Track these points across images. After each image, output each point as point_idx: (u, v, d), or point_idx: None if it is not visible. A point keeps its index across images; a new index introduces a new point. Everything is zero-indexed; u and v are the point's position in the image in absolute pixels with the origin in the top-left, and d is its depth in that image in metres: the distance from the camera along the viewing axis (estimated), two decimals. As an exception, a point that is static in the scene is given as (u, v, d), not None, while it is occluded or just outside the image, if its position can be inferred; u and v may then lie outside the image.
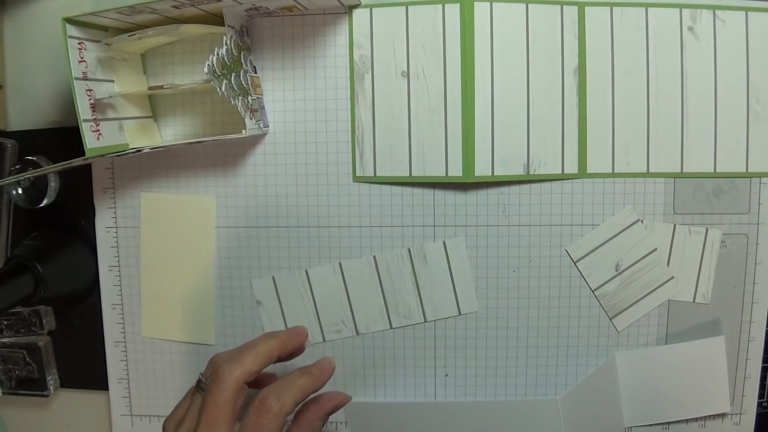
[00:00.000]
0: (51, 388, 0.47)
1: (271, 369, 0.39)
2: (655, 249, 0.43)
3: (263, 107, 0.43)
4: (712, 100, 0.41)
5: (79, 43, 0.39)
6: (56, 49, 0.44)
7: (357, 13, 0.42)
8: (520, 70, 0.41)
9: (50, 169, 0.40)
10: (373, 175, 0.43)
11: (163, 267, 0.46)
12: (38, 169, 0.41)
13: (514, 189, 0.43)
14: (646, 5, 0.41)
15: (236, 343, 0.45)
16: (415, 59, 0.41)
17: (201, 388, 0.36)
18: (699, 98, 0.41)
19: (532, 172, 0.42)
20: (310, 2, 0.40)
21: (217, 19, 0.40)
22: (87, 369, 0.48)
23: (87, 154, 0.38)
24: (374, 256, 0.43)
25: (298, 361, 0.40)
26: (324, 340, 0.45)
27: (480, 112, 0.41)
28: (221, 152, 0.44)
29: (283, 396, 0.35)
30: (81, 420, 0.49)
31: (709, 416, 0.44)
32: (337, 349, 0.45)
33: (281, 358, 0.38)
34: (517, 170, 0.42)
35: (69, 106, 0.41)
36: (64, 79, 0.45)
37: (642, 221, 0.43)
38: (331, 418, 0.45)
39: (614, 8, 0.41)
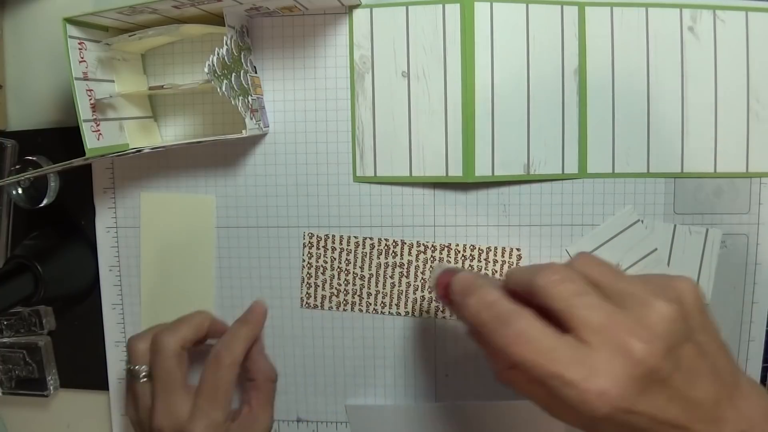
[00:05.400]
0: (51, 388, 0.47)
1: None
2: (656, 249, 0.43)
3: (263, 107, 0.43)
4: (712, 100, 0.41)
5: (79, 43, 0.39)
6: (56, 49, 0.44)
7: (357, 13, 0.42)
8: (520, 70, 0.41)
9: (50, 169, 0.40)
10: (373, 175, 0.43)
11: (163, 267, 0.46)
12: (38, 169, 0.41)
13: (514, 189, 0.43)
14: (646, 5, 0.41)
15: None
16: (416, 59, 0.41)
17: (134, 375, 0.40)
18: (699, 98, 0.41)
19: (532, 172, 0.42)
20: (311, 2, 0.40)
21: (217, 19, 0.40)
22: (87, 369, 0.48)
23: (87, 155, 0.38)
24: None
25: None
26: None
27: (480, 112, 0.41)
28: (221, 152, 0.44)
29: (232, 348, 0.40)
30: (81, 420, 0.49)
31: (709, 416, 0.44)
32: (337, 349, 0.45)
33: (213, 334, 0.43)
34: (517, 170, 0.42)
35: (69, 106, 0.41)
36: (64, 79, 0.45)
37: (642, 221, 0.43)
38: (332, 418, 0.45)
39: (614, 8, 0.41)
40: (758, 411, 0.29)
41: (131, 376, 0.41)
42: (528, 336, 0.27)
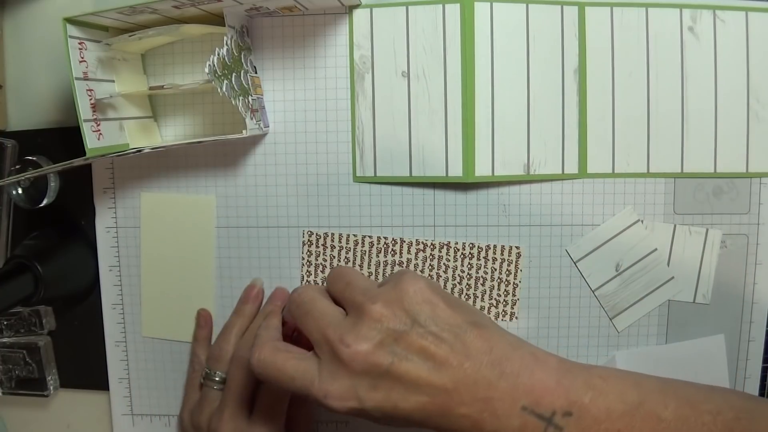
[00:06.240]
0: (51, 388, 0.47)
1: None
2: (656, 249, 0.43)
3: (263, 107, 0.43)
4: (712, 100, 0.41)
5: (79, 43, 0.39)
6: (56, 49, 0.45)
7: (357, 13, 0.42)
8: (520, 70, 0.41)
9: (50, 169, 0.40)
10: (373, 175, 0.43)
11: (163, 267, 0.46)
12: (38, 169, 0.41)
13: (514, 189, 0.43)
14: (646, 5, 0.41)
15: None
16: (416, 59, 0.41)
17: (211, 380, 0.41)
18: (699, 98, 0.41)
19: (532, 172, 0.42)
20: (311, 2, 0.40)
21: (217, 19, 0.40)
22: (87, 369, 0.48)
23: (88, 154, 0.38)
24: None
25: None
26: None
27: (480, 112, 0.41)
28: (221, 152, 0.44)
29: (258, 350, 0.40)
30: (81, 420, 0.49)
31: (709, 416, 0.44)
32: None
33: None
34: (517, 170, 0.42)
35: (69, 106, 0.41)
36: (64, 79, 0.45)
37: (642, 221, 0.43)
38: (331, 418, 0.45)
39: (614, 8, 0.41)
40: (544, 381, 0.30)
41: (208, 380, 0.41)
42: (272, 364, 0.33)
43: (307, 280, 0.44)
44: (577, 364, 0.31)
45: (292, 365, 0.32)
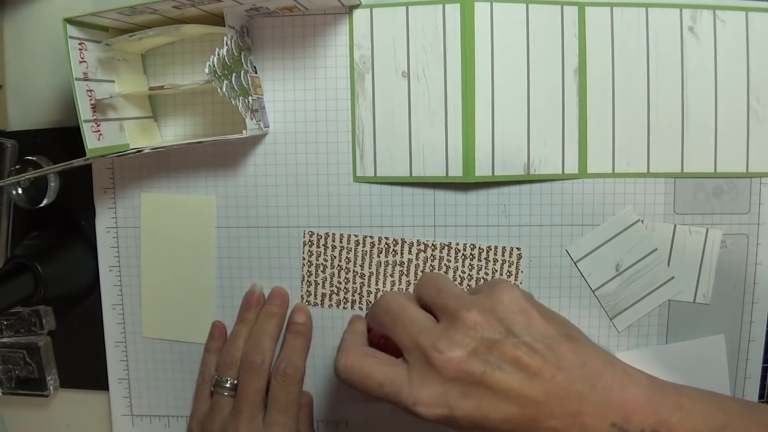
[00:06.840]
0: (51, 388, 0.47)
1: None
2: (656, 249, 0.43)
3: (263, 107, 0.43)
4: (712, 100, 0.41)
5: (79, 44, 0.39)
6: (56, 49, 0.45)
7: (357, 13, 0.42)
8: (520, 70, 0.41)
9: (50, 169, 0.40)
10: (373, 175, 0.43)
11: (163, 267, 0.46)
12: (38, 169, 0.41)
13: (514, 189, 0.43)
14: (646, 5, 0.41)
15: (236, 343, 0.45)
16: (416, 59, 0.41)
17: (221, 386, 0.41)
18: (699, 98, 0.41)
19: (532, 172, 0.42)
20: (311, 2, 0.40)
21: (217, 20, 0.40)
22: (87, 369, 0.48)
23: (88, 155, 0.38)
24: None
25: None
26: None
27: (480, 112, 0.41)
28: (221, 152, 0.44)
29: (295, 364, 0.41)
30: (81, 420, 0.49)
31: (710, 416, 0.44)
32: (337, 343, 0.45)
33: None
34: (518, 170, 0.42)
35: (69, 106, 0.41)
36: (64, 79, 0.45)
37: (642, 221, 0.43)
38: (332, 417, 0.45)
39: (614, 8, 0.41)
40: (635, 399, 0.29)
41: (219, 387, 0.42)
42: (359, 370, 0.33)
43: (307, 280, 0.44)
44: (666, 382, 0.31)
45: (381, 371, 0.32)
